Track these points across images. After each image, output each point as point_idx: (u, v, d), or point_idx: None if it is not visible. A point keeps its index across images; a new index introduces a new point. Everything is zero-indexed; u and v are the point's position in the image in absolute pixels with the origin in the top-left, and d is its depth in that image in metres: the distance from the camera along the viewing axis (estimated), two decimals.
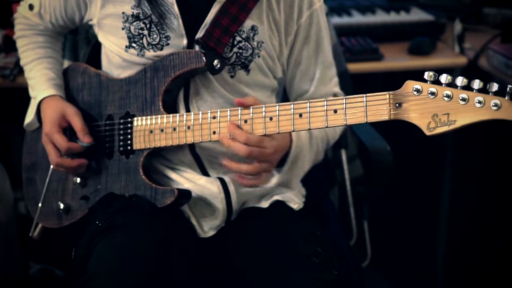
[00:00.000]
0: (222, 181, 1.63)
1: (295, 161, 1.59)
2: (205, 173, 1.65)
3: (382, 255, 2.38)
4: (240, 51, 1.59)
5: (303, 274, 1.48)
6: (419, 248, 2.80)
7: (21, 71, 2.19)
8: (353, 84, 2.14)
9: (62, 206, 1.69)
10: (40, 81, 1.70)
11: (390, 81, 2.75)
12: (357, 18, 2.59)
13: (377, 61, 2.41)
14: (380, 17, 2.61)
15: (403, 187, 2.72)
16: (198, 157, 1.63)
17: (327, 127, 1.38)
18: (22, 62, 1.78)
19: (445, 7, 2.71)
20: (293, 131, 1.42)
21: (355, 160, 2.21)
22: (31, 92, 1.73)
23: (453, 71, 2.43)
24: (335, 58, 1.75)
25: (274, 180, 1.64)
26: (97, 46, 1.85)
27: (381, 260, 2.37)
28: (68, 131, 1.66)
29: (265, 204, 1.67)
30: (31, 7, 1.74)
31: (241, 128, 1.47)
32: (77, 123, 1.64)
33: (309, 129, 1.40)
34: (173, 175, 1.65)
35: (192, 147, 1.62)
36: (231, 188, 1.63)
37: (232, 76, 1.61)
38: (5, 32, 2.34)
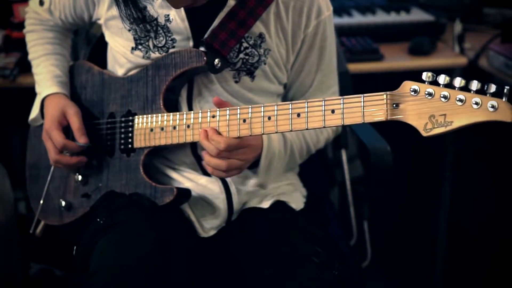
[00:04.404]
0: (224, 181, 1.63)
1: (269, 166, 1.60)
2: (206, 173, 1.65)
3: (382, 255, 2.38)
4: (247, 57, 1.59)
5: (303, 274, 1.48)
6: (419, 248, 2.80)
7: (21, 71, 2.20)
8: (353, 84, 2.14)
9: (63, 203, 1.69)
10: (46, 78, 1.71)
11: (390, 81, 2.76)
12: (357, 18, 2.59)
13: (377, 61, 2.41)
14: (380, 17, 2.61)
15: (403, 187, 2.72)
16: (200, 158, 1.63)
17: (324, 127, 1.38)
18: (30, 57, 1.79)
19: (445, 7, 2.71)
20: (291, 130, 1.43)
21: (355, 160, 2.21)
22: (37, 88, 1.75)
23: (453, 71, 2.43)
24: None
25: (252, 182, 1.65)
26: (97, 46, 1.85)
27: (381, 260, 2.37)
28: (70, 130, 1.67)
29: (265, 204, 1.67)
30: (41, 2, 1.75)
31: (220, 133, 1.48)
32: (74, 122, 1.65)
33: (307, 128, 1.40)
34: (174, 174, 1.65)
35: (194, 148, 1.62)
36: (232, 188, 1.64)
37: (236, 82, 1.61)
38: (5, 32, 2.34)
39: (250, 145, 1.53)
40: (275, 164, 1.62)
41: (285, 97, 1.74)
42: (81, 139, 1.64)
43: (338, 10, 2.62)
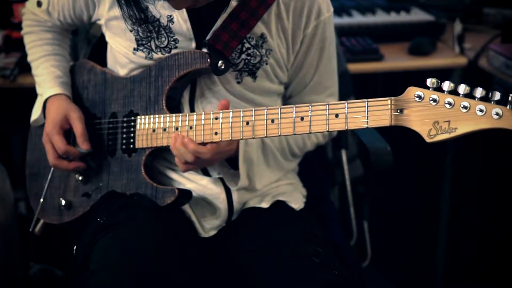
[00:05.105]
0: (224, 181, 1.63)
1: (249, 169, 1.61)
2: (206, 173, 1.65)
3: (382, 255, 2.38)
4: (249, 58, 1.59)
5: (303, 274, 1.48)
6: (419, 248, 2.80)
7: (21, 71, 2.20)
8: (353, 84, 2.14)
9: (63, 202, 1.69)
10: (47, 79, 1.71)
11: (390, 82, 2.77)
12: (357, 18, 2.59)
13: (377, 61, 2.40)
14: (380, 17, 2.61)
15: (403, 187, 2.73)
16: None
17: (328, 131, 1.39)
18: (29, 58, 1.79)
19: (445, 7, 2.71)
20: (295, 134, 1.43)
21: (355, 160, 2.21)
22: (38, 89, 1.74)
23: (453, 71, 2.43)
24: None
25: (238, 184, 1.64)
26: (97, 46, 1.85)
27: (381, 260, 2.37)
28: (72, 134, 1.67)
29: (265, 204, 1.67)
30: (39, 3, 1.74)
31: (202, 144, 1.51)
32: (78, 128, 1.64)
33: (310, 132, 1.41)
34: (174, 175, 1.65)
35: None
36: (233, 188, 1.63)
37: (238, 82, 1.61)
38: (5, 32, 2.34)
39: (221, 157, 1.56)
40: (257, 169, 1.62)
41: (283, 95, 1.74)
42: (84, 145, 1.64)
43: (338, 10, 2.62)
